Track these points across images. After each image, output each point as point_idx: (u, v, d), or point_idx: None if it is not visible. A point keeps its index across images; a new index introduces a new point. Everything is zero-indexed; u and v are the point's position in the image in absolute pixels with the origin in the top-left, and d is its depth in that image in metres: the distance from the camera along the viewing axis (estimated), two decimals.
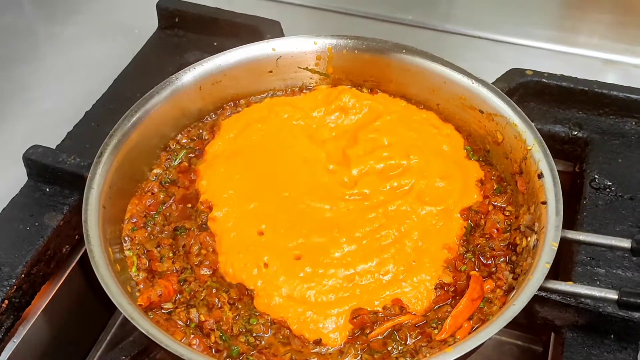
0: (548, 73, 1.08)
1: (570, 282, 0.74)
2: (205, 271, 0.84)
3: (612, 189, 0.97)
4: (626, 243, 0.72)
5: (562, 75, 1.07)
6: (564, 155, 1.07)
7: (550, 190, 0.80)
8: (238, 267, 0.83)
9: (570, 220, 0.98)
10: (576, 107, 1.07)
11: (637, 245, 0.71)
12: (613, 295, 0.70)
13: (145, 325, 0.70)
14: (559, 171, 1.08)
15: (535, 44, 1.29)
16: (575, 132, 1.05)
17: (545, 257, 0.73)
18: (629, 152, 1.01)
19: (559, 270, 0.95)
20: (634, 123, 1.05)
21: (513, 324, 1.07)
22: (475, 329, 0.75)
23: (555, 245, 0.74)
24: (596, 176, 0.99)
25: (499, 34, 1.30)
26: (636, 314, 0.79)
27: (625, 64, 1.25)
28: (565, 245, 0.95)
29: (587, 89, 1.05)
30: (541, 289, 0.71)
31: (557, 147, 1.06)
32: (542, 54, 1.27)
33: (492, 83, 1.05)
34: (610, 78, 1.18)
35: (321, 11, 1.36)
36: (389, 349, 0.77)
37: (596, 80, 1.07)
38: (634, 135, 1.04)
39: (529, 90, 1.07)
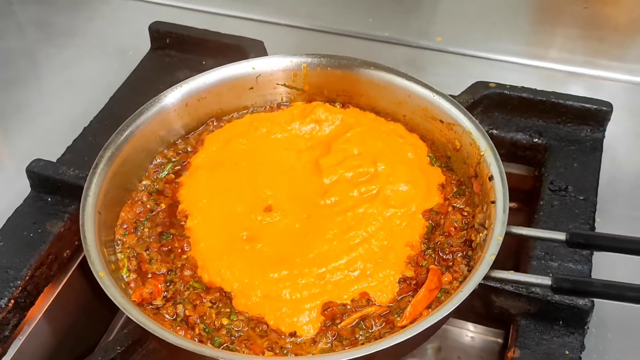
0: (510, 85, 1.14)
1: (512, 271, 0.81)
2: (188, 272, 0.90)
3: (568, 190, 1.04)
4: (562, 236, 0.80)
5: (523, 87, 1.14)
6: (526, 160, 1.14)
7: (499, 191, 0.87)
8: (213, 272, 0.89)
9: (528, 219, 1.07)
10: (536, 116, 1.13)
11: (570, 238, 0.79)
12: (547, 281, 0.78)
13: (137, 315, 0.77)
14: (521, 175, 1.17)
15: (502, 57, 1.36)
16: (536, 139, 1.12)
17: (491, 250, 0.80)
18: (584, 157, 1.08)
19: (518, 264, 1.02)
20: (588, 130, 1.11)
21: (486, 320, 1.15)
22: None
23: (500, 239, 0.81)
24: (554, 179, 1.05)
25: (469, 49, 1.38)
26: (580, 302, 0.86)
27: (587, 75, 1.32)
28: (524, 242, 1.03)
29: (545, 99, 1.12)
30: (487, 277, 0.79)
31: (519, 153, 1.14)
32: (509, 68, 1.34)
33: (459, 95, 1.12)
34: (573, 89, 1.23)
35: (302, 30, 1.43)
36: (357, 336, 0.84)
37: (553, 91, 1.13)
38: (588, 142, 1.10)
39: (492, 101, 1.14)
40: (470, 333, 1.19)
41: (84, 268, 1.06)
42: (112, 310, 1.14)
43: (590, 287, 0.77)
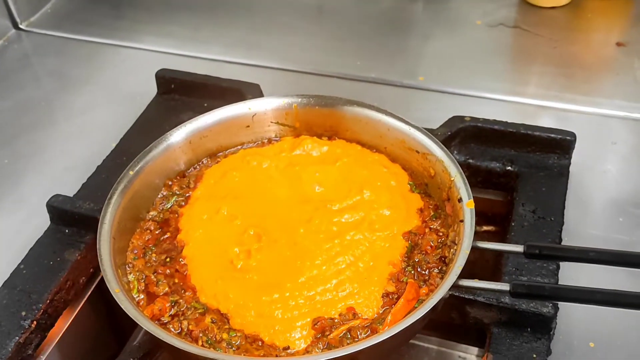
0: (483, 118, 1.24)
1: (476, 279, 0.90)
2: (189, 294, 0.98)
3: (537, 212, 1.13)
4: (520, 248, 0.90)
5: (495, 119, 1.24)
6: (500, 186, 1.23)
7: (467, 211, 0.96)
8: (210, 296, 0.96)
9: (501, 239, 1.16)
10: (508, 146, 1.22)
11: (527, 249, 0.89)
12: (506, 287, 0.87)
13: (148, 325, 0.87)
14: (497, 200, 1.27)
15: (479, 94, 1.46)
16: (508, 167, 1.21)
17: (459, 262, 0.89)
18: (552, 182, 1.18)
19: (493, 280, 1.12)
20: (556, 158, 1.21)
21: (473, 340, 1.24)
22: None
23: (467, 252, 0.89)
24: (524, 202, 1.15)
25: (449, 87, 1.48)
26: (544, 309, 0.95)
27: (556, 108, 1.42)
28: (496, 260, 1.13)
29: (515, 130, 1.21)
30: (456, 286, 0.88)
31: (494, 180, 1.23)
32: (486, 103, 1.44)
33: (437, 128, 1.22)
34: (543, 121, 1.34)
35: (295, 73, 1.54)
36: (344, 344, 0.91)
37: (523, 123, 1.23)
38: (555, 168, 1.20)
39: (468, 134, 1.23)
40: (462, 354, 1.28)
41: (98, 293, 1.15)
42: (124, 330, 1.23)
43: (543, 291, 0.87)
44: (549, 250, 0.91)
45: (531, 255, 0.89)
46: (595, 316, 1.03)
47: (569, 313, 1.02)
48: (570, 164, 1.22)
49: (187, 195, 1.13)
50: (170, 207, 1.11)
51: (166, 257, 1.04)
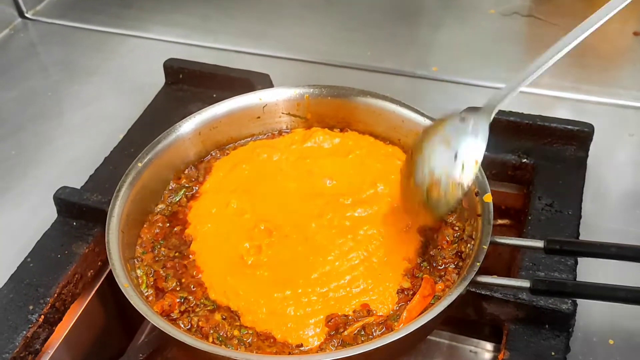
0: (499, 110, 1.22)
1: (495, 276, 0.88)
2: (198, 290, 0.96)
3: (554, 205, 1.11)
4: (540, 244, 0.88)
5: (510, 111, 1.21)
6: (515, 179, 1.20)
7: (485, 205, 0.94)
8: (219, 293, 0.95)
9: (517, 233, 1.14)
10: (524, 137, 1.20)
11: (547, 245, 0.87)
12: (527, 284, 0.85)
13: (158, 320, 0.85)
14: (513, 194, 1.24)
15: (494, 85, 1.42)
16: (524, 159, 1.19)
17: (477, 258, 0.87)
18: (569, 175, 1.15)
19: (509, 275, 1.09)
20: (573, 150, 1.18)
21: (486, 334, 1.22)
22: None
23: (485, 248, 0.87)
24: (541, 196, 1.12)
25: (463, 77, 1.45)
26: (563, 306, 0.93)
27: (572, 99, 1.39)
28: (513, 254, 1.10)
29: (531, 122, 1.19)
30: (474, 283, 0.86)
31: (509, 172, 1.20)
32: None
33: None
34: (560, 113, 1.30)
35: (306, 63, 1.52)
36: (359, 342, 0.90)
37: (539, 115, 1.20)
38: (573, 160, 1.17)
39: None
40: (474, 348, 1.26)
41: (106, 287, 1.13)
42: (133, 324, 1.22)
43: (564, 288, 0.85)
44: (570, 246, 0.88)
45: (552, 250, 0.87)
46: (615, 313, 1.00)
47: (589, 310, 1.00)
48: (587, 156, 1.19)
49: (195, 188, 1.11)
50: (179, 200, 1.10)
51: (175, 252, 1.02)
